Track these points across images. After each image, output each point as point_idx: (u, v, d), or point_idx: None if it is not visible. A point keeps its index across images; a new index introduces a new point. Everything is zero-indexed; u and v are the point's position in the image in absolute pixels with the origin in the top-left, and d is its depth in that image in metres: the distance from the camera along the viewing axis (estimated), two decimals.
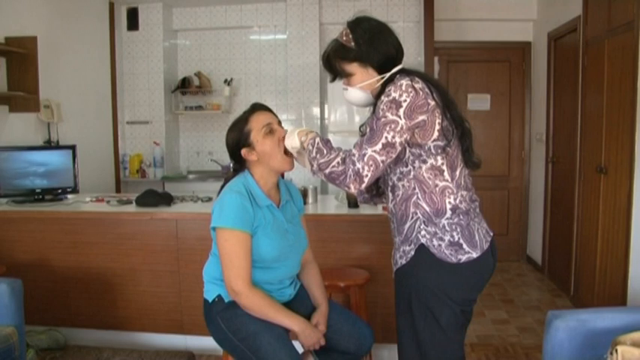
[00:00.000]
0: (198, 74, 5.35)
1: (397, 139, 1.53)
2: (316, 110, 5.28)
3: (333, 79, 1.73)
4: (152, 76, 5.24)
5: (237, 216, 1.79)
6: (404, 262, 1.64)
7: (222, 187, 1.96)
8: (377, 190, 1.85)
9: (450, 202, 1.60)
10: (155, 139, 5.22)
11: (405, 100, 1.51)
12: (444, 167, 1.59)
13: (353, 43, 1.61)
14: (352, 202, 3.06)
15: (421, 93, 1.53)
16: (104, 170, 4.96)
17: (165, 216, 3.04)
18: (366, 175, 1.52)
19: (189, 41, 5.51)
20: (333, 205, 3.26)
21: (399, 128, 1.52)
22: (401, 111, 1.51)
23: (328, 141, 1.69)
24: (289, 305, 1.96)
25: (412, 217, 1.61)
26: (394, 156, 1.56)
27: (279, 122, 1.95)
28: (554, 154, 4.53)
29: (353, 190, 1.56)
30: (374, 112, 1.62)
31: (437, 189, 1.59)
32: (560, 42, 4.40)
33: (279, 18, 5.29)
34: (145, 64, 5.24)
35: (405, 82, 1.53)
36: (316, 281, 2.09)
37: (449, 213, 1.60)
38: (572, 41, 4.08)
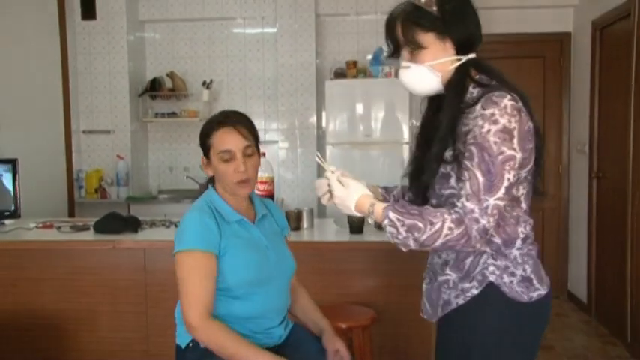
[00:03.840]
0: (171, 75, 5.39)
1: (515, 177, 1.53)
2: (312, 118, 5.30)
3: (391, 54, 1.67)
4: (114, 76, 5.27)
5: (196, 234, 1.83)
6: (462, 301, 1.62)
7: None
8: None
9: (522, 232, 1.63)
10: (118, 152, 5.23)
11: (515, 128, 1.49)
12: (523, 196, 1.61)
13: (435, 8, 1.55)
14: (355, 228, 3.06)
15: (523, 115, 1.53)
16: (54, 190, 4.96)
17: (131, 245, 3.03)
18: (491, 227, 1.51)
19: (160, 35, 5.56)
20: (332, 230, 3.26)
21: (517, 165, 1.51)
22: (515, 142, 1.49)
23: (407, 207, 1.57)
24: (280, 351, 1.93)
25: (477, 250, 1.61)
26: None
27: (256, 140, 1.98)
28: (600, 168, 4.55)
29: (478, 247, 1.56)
30: (437, 109, 1.63)
31: (512, 220, 1.61)
32: (608, 31, 4.43)
33: (268, 8, 5.34)
34: (106, 62, 5.27)
35: (507, 102, 1.50)
36: (311, 304, 2.15)
37: (519, 242, 1.61)
38: (623, 30, 4.11)
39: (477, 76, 1.61)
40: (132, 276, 3.05)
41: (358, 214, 1.70)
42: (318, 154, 1.84)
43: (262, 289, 1.93)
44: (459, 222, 1.49)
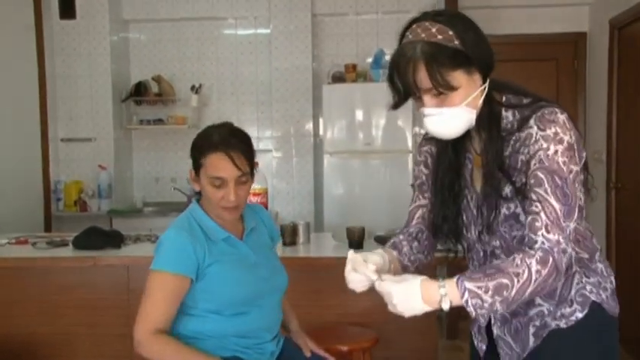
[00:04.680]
0: (158, 78, 5.39)
1: (582, 191, 1.55)
2: (308, 125, 5.31)
3: (398, 103, 1.56)
4: (96, 79, 5.26)
5: (168, 256, 1.88)
6: (563, 325, 1.61)
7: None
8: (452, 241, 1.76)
9: (596, 243, 1.66)
10: (100, 162, 5.21)
11: (574, 141, 1.50)
12: (584, 206, 1.61)
13: (457, 41, 1.48)
14: (355, 242, 3.04)
15: (572, 124, 1.54)
16: (29, 202, 4.93)
17: (114, 261, 3.01)
18: (573, 251, 1.51)
19: (145, 35, 5.57)
20: (330, 245, 3.25)
21: (582, 178, 1.54)
22: (576, 155, 1.51)
23: (478, 270, 1.48)
24: None
25: (566, 272, 1.57)
26: None
27: (251, 167, 1.98)
28: (619, 178, 4.54)
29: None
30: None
31: (587, 232, 1.63)
32: (627, 31, 4.43)
33: (261, 7, 5.35)
34: (86, 64, 5.26)
35: (562, 116, 1.50)
36: (286, 305, 2.24)
37: (598, 254, 1.65)
38: None
39: (504, 98, 1.59)
40: (114, 295, 3.03)
41: (428, 309, 1.48)
42: (352, 252, 1.63)
43: (254, 308, 1.96)
44: (544, 260, 1.44)
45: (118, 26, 5.40)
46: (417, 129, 4.90)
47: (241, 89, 5.50)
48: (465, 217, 1.68)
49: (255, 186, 3.17)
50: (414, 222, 1.79)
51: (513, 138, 1.53)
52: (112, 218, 5.02)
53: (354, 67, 5.10)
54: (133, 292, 3.00)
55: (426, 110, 1.52)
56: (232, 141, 1.93)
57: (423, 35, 1.48)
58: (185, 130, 5.39)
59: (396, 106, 1.56)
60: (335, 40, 5.40)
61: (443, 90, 1.48)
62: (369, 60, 5.12)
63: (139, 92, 5.35)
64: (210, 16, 5.42)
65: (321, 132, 5.28)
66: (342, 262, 2.94)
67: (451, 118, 1.53)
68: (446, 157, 1.67)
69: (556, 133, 1.47)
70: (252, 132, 5.45)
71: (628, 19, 4.33)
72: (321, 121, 5.26)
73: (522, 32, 5.15)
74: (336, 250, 3.13)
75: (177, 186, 5.41)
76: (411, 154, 4.83)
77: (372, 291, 2.94)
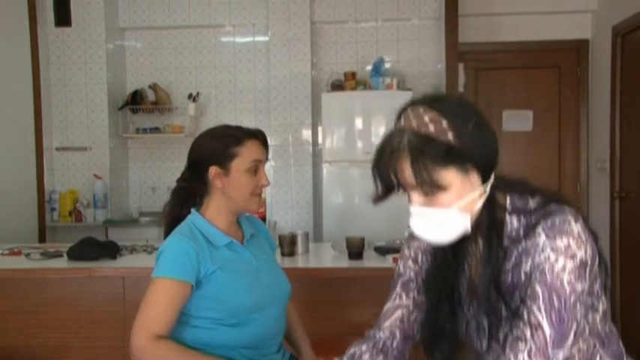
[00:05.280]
0: (154, 87, 5.39)
1: (585, 309, 1.37)
2: (307, 133, 5.31)
3: (381, 197, 1.39)
4: (91, 88, 5.27)
5: (173, 262, 1.87)
6: None
7: (166, 232, 2.04)
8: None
9: (622, 346, 1.50)
10: (96, 171, 5.21)
11: (590, 256, 1.31)
12: (606, 308, 1.48)
13: (451, 135, 1.29)
14: (354, 253, 3.04)
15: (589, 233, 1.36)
16: (23, 212, 4.93)
17: (109, 273, 3.00)
18: None
19: (142, 43, 5.57)
20: (329, 255, 3.24)
21: (585, 296, 1.33)
22: (588, 272, 1.31)
23: None
24: None
25: None
26: None
27: (267, 159, 2.08)
28: (623, 187, 4.54)
29: None
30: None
31: (612, 334, 1.48)
32: (631, 38, 4.44)
33: (260, 15, 5.37)
34: (82, 73, 5.27)
35: (577, 226, 1.31)
36: (295, 320, 2.23)
37: (624, 356, 1.51)
38: None
39: (508, 200, 1.41)
40: (109, 307, 3.01)
41: None
42: None
43: (258, 316, 1.95)
44: None
45: (114, 34, 5.41)
46: None
47: (239, 97, 5.51)
48: (468, 327, 1.49)
49: None
50: (388, 323, 1.60)
51: (518, 248, 1.36)
52: (108, 228, 5.01)
53: (354, 75, 5.10)
54: (129, 304, 2.99)
55: (412, 208, 1.36)
56: (261, 132, 2.06)
57: (414, 123, 1.31)
58: (182, 139, 5.39)
59: (378, 199, 1.39)
60: (334, 48, 5.42)
61: (428, 189, 1.31)
62: (369, 68, 5.14)
63: (135, 101, 5.36)
64: (208, 23, 5.43)
65: (320, 141, 5.28)
66: (341, 272, 2.96)
67: (440, 221, 1.35)
68: (444, 257, 1.48)
69: (568, 247, 1.29)
70: None
71: (631, 26, 4.35)
72: (320, 129, 5.26)
73: (524, 39, 5.17)
74: (335, 260, 3.11)
75: None
76: None
77: (373, 302, 2.92)
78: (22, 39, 5.00)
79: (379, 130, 4.88)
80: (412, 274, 1.58)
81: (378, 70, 5.00)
